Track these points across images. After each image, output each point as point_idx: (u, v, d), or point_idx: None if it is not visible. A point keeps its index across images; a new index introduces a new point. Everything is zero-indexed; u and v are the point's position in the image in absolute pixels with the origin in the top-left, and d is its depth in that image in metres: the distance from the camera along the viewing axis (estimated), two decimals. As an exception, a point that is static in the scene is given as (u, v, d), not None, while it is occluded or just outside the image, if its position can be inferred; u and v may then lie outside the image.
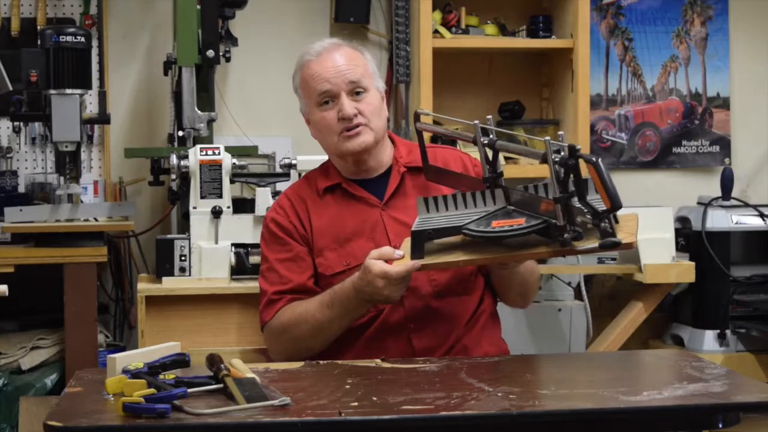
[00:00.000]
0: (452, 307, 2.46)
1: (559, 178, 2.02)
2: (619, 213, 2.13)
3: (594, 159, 1.98)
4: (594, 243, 2.04)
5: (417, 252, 2.22)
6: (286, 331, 2.47)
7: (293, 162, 3.37)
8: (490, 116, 2.32)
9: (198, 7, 3.48)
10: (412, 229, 2.23)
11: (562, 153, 2.02)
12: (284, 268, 2.50)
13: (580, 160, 2.01)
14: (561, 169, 2.02)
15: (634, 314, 3.74)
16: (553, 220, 2.06)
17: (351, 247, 2.47)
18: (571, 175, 2.02)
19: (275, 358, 2.51)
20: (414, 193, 2.49)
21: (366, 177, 2.53)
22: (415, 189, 2.50)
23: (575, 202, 2.04)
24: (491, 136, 2.24)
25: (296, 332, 2.45)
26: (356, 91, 2.46)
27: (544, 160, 2.05)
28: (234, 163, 3.30)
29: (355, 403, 1.90)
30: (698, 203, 3.93)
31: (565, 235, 2.05)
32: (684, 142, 4.25)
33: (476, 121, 2.24)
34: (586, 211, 2.03)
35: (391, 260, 2.26)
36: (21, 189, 3.71)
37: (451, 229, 2.21)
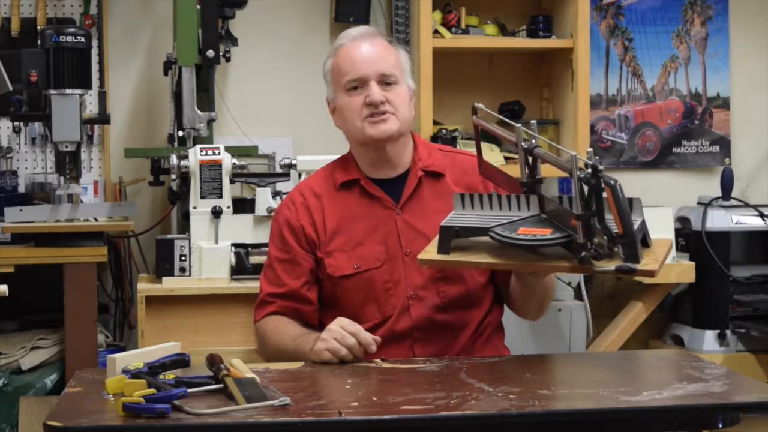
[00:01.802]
0: (459, 319, 2.43)
1: (582, 196, 2.01)
2: (655, 237, 2.13)
3: (612, 182, 1.97)
4: (611, 266, 2.04)
5: (443, 247, 2.21)
6: (263, 340, 2.51)
7: (293, 162, 3.38)
8: (534, 121, 2.30)
9: (198, 7, 3.48)
10: (442, 224, 2.22)
11: (601, 167, 2.00)
12: (281, 269, 2.49)
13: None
14: (586, 187, 2.01)
15: (634, 314, 3.74)
16: (576, 236, 2.06)
17: (362, 250, 2.44)
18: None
19: (258, 356, 2.53)
20: (431, 198, 2.46)
21: (385, 176, 2.49)
22: (432, 194, 2.47)
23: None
24: (533, 141, 2.22)
25: (268, 347, 2.48)
26: (387, 81, 2.42)
27: (571, 174, 2.04)
28: (234, 163, 3.31)
29: (355, 403, 1.90)
30: (698, 203, 3.93)
31: (583, 254, 2.03)
32: (684, 142, 4.25)
33: (519, 125, 2.22)
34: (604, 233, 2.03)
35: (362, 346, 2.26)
36: (21, 189, 3.71)
37: (478, 230, 2.20)
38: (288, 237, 2.49)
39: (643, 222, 2.12)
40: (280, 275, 2.49)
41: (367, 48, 2.44)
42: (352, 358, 2.24)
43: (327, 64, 2.50)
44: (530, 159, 2.22)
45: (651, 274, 2.05)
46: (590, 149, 2.08)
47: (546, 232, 2.12)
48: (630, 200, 2.11)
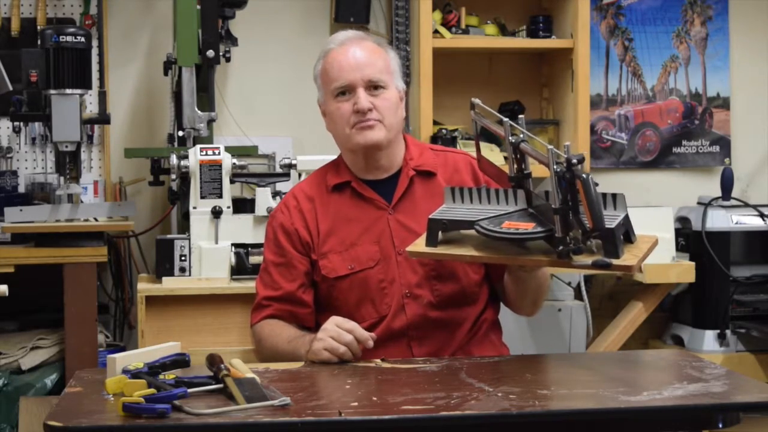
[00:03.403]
0: (454, 317, 2.44)
1: (560, 190, 2.03)
2: (640, 233, 2.14)
3: (584, 176, 1.99)
4: (589, 260, 2.05)
5: (431, 239, 2.24)
6: (259, 344, 2.52)
7: (293, 162, 3.37)
8: (522, 116, 2.31)
9: (198, 7, 3.48)
10: (430, 216, 2.25)
11: (575, 161, 2.01)
12: (277, 273, 2.50)
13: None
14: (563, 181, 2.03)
15: (634, 314, 3.74)
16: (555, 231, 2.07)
17: (356, 251, 2.45)
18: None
19: (256, 359, 2.54)
20: (423, 197, 2.47)
21: (376, 177, 2.50)
22: (424, 194, 2.48)
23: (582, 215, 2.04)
24: (521, 135, 2.23)
25: (264, 350, 2.49)
26: (374, 86, 2.43)
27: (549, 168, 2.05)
28: (234, 163, 3.30)
29: (355, 403, 1.90)
30: (698, 203, 3.93)
31: (560, 247, 2.06)
32: (684, 142, 4.25)
33: (506, 119, 2.23)
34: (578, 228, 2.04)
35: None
36: (21, 189, 3.71)
37: (465, 223, 2.22)
38: (283, 240, 2.50)
39: (626, 217, 2.12)
40: (276, 279, 2.49)
41: (354, 53, 2.44)
42: (350, 356, 2.24)
43: (317, 68, 2.51)
44: (518, 154, 2.23)
45: (629, 269, 2.06)
46: (568, 143, 2.09)
47: (529, 226, 2.14)
48: (614, 195, 2.12)
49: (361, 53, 2.44)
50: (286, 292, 2.48)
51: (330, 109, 2.47)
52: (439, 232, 2.24)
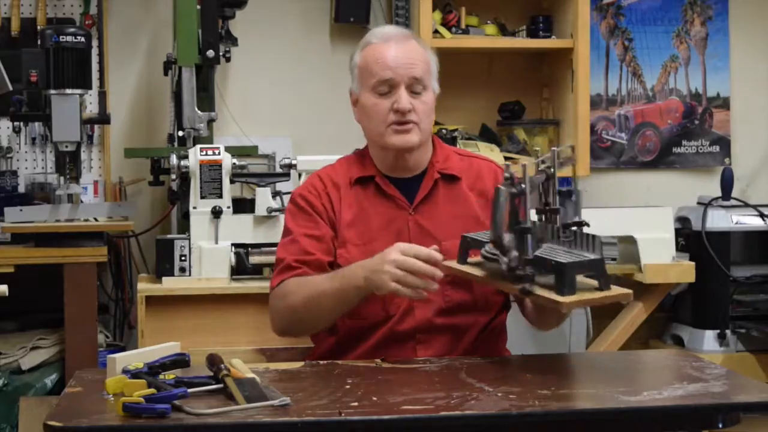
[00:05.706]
0: (463, 323, 2.43)
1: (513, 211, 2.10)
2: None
3: (499, 187, 2.08)
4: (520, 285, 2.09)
5: (460, 256, 2.28)
6: (285, 299, 2.39)
7: (293, 162, 3.37)
8: (572, 145, 2.30)
9: (198, 7, 3.48)
10: (463, 234, 2.29)
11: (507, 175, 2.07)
12: (308, 242, 2.42)
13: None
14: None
15: (634, 314, 3.73)
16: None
17: (374, 246, 2.41)
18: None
19: (273, 328, 2.44)
20: (445, 201, 2.45)
21: (401, 176, 2.48)
22: (446, 197, 2.46)
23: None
24: (550, 169, 2.21)
25: (294, 298, 2.37)
26: (415, 87, 2.41)
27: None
28: (234, 163, 3.31)
29: (355, 403, 1.90)
30: (698, 203, 3.93)
31: (505, 267, 2.09)
32: (684, 142, 4.25)
33: (554, 148, 2.19)
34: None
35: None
36: (21, 189, 3.71)
37: (481, 243, 2.26)
38: (314, 215, 2.45)
39: (597, 261, 2.08)
40: (307, 247, 2.42)
41: (399, 51, 2.42)
42: (421, 284, 2.18)
43: (355, 58, 2.47)
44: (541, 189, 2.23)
45: (557, 304, 2.03)
46: (525, 163, 2.14)
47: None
48: (593, 237, 2.09)
49: (406, 51, 2.43)
50: (318, 259, 2.41)
51: (366, 103, 2.43)
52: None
